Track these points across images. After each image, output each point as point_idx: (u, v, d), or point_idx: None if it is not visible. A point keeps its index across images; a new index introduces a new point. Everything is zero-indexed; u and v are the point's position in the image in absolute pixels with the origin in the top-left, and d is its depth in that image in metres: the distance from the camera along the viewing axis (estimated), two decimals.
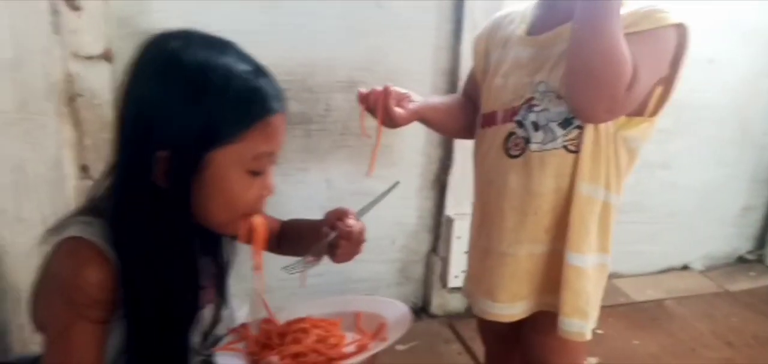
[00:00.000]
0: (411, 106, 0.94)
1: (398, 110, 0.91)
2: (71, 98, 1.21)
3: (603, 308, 1.43)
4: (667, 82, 0.82)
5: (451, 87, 1.48)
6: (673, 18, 0.79)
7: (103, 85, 1.22)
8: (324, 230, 0.81)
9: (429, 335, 1.57)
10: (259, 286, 0.78)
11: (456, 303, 1.63)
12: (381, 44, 1.45)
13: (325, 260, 0.82)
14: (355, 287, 1.56)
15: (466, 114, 1.01)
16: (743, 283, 1.96)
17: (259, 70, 0.72)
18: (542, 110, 0.83)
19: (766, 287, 1.94)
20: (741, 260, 2.12)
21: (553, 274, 0.89)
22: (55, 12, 1.17)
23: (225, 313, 0.81)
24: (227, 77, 0.68)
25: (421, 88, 1.46)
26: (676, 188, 1.91)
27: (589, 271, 0.87)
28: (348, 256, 0.83)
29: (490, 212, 0.92)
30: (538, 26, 0.88)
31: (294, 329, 0.78)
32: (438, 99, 1.09)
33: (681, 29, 0.79)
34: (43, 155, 1.25)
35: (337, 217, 0.82)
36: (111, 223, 0.70)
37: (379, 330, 0.80)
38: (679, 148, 1.85)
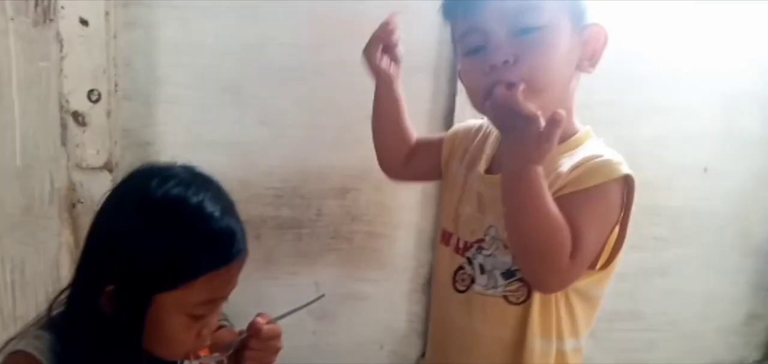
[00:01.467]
0: (391, 69, 0.99)
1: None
2: (72, 205, 1.30)
3: None
4: (619, 231, 0.82)
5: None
6: (621, 170, 0.79)
7: (102, 192, 1.30)
8: (239, 330, 0.85)
9: None
10: None
11: None
12: (374, 154, 1.51)
13: None
14: None
15: (402, 142, 1.04)
16: None
17: (227, 208, 0.77)
18: (489, 255, 0.86)
19: None
20: None
21: None
22: (63, 126, 1.27)
23: None
24: (198, 217, 0.73)
25: (412, 195, 1.55)
26: (675, 295, 1.91)
27: None
28: (258, 358, 0.86)
29: (439, 336, 0.94)
30: (497, 164, 0.90)
31: None
32: (403, 101, 1.07)
33: (628, 179, 0.80)
34: (44, 257, 1.33)
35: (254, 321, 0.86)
36: (59, 340, 0.75)
37: None
38: (677, 256, 1.86)
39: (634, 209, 0.82)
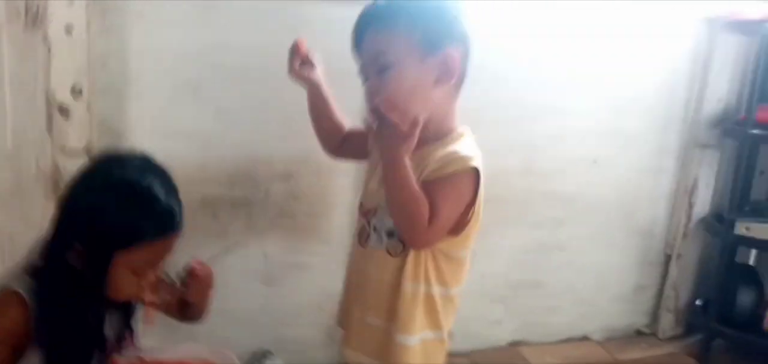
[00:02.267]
0: (312, 74, 1.23)
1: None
2: (56, 183, 1.50)
3: None
4: (468, 210, 1.06)
5: None
6: (471, 164, 1.03)
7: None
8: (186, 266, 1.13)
9: None
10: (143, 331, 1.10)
11: None
12: (313, 143, 1.71)
13: None
14: (286, 347, 1.84)
15: (335, 132, 1.27)
16: (634, 353, 2.24)
17: (171, 190, 1.00)
18: (379, 219, 1.10)
19: (652, 358, 2.22)
20: (638, 333, 2.40)
21: (388, 346, 1.10)
22: (49, 116, 1.47)
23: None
24: (150, 196, 0.97)
25: (346, 179, 1.77)
26: (571, 267, 2.20)
27: (415, 346, 1.09)
28: (197, 293, 1.15)
29: (348, 279, 1.21)
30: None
31: None
32: (332, 97, 1.28)
33: (476, 171, 1.04)
34: (31, 229, 1.51)
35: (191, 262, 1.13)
36: (37, 283, 0.98)
37: None
38: (572, 234, 2.16)
39: (482, 192, 1.06)
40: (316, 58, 1.25)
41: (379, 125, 1.02)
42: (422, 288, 1.09)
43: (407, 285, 1.08)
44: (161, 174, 1.02)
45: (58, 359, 1.00)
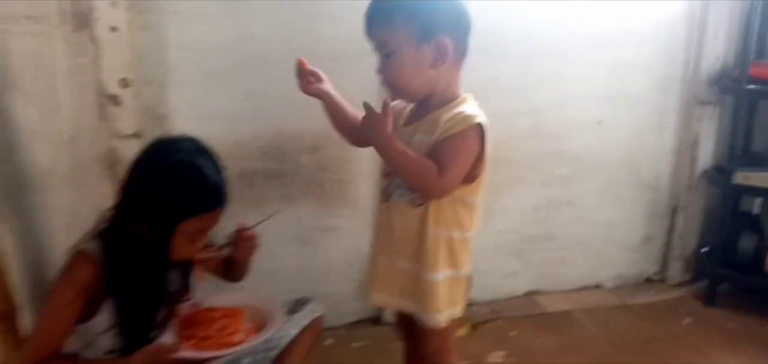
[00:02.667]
0: (322, 86, 1.39)
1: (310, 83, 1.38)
2: (111, 164, 1.68)
3: (519, 316, 2.04)
4: (479, 161, 1.22)
5: None
6: (475, 120, 1.18)
7: (132, 154, 1.68)
8: (235, 231, 1.32)
9: (379, 338, 2.00)
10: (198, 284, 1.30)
11: None
12: None
13: None
14: (319, 301, 2.00)
15: (353, 129, 1.39)
16: (643, 297, 2.39)
17: (220, 169, 1.18)
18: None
19: (661, 302, 2.36)
20: (648, 281, 2.55)
21: (416, 284, 1.27)
22: (101, 106, 1.65)
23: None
24: (205, 174, 1.15)
25: (367, 150, 1.90)
26: (581, 221, 2.34)
27: (440, 283, 1.26)
28: (245, 252, 1.33)
29: (376, 233, 1.38)
30: (407, 119, 1.33)
31: (204, 317, 1.27)
32: (344, 101, 1.42)
33: (481, 126, 1.19)
34: (90, 204, 1.70)
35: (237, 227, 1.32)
36: (105, 244, 1.17)
37: (263, 325, 1.29)
38: (580, 190, 2.29)
39: (489, 144, 1.21)
40: (320, 72, 1.41)
41: (361, 120, 1.20)
42: (443, 232, 1.26)
43: (431, 230, 1.25)
44: (210, 155, 1.19)
45: (129, 312, 1.20)
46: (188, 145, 1.20)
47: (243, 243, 1.33)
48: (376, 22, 1.23)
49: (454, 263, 1.29)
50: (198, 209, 1.16)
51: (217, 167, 1.19)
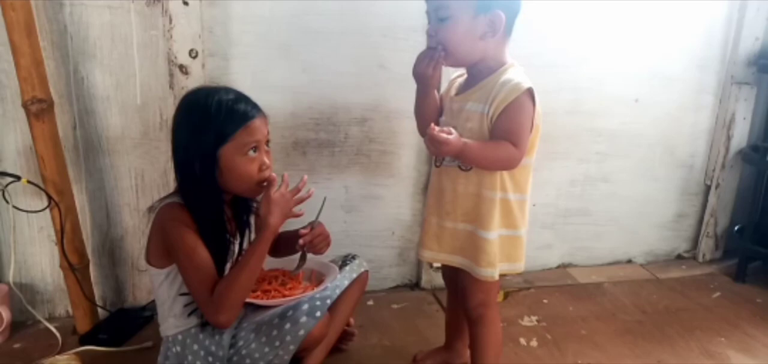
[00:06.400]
0: (436, 85, 1.43)
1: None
2: None
3: (551, 286, 2.13)
4: (532, 124, 1.32)
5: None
6: (524, 86, 1.26)
7: None
8: (297, 244, 1.48)
9: (418, 301, 2.12)
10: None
11: (438, 280, 2.14)
12: (384, 93, 1.99)
13: None
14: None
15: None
16: (674, 273, 2.47)
17: (239, 97, 1.34)
18: None
19: (691, 277, 2.44)
20: (679, 257, 2.62)
21: (471, 241, 1.37)
22: (171, 74, 1.78)
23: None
24: (219, 105, 1.31)
25: (411, 123, 1.94)
26: (615, 197, 2.41)
27: (493, 240, 1.35)
28: (321, 250, 1.51)
29: (430, 194, 1.48)
30: (459, 89, 1.43)
31: (266, 275, 1.54)
32: (436, 101, 1.45)
33: (530, 91, 1.29)
34: (157, 167, 1.86)
35: (302, 236, 1.47)
36: (182, 195, 1.36)
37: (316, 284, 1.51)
38: (615, 168, 2.36)
39: (539, 106, 1.32)
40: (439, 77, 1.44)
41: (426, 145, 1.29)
42: (498, 195, 1.35)
43: (486, 193, 1.35)
44: (226, 90, 1.35)
45: (211, 245, 1.36)
46: (220, 90, 1.36)
47: (317, 240, 1.48)
48: None
49: (510, 224, 1.38)
50: (235, 125, 1.30)
51: (234, 93, 1.35)
